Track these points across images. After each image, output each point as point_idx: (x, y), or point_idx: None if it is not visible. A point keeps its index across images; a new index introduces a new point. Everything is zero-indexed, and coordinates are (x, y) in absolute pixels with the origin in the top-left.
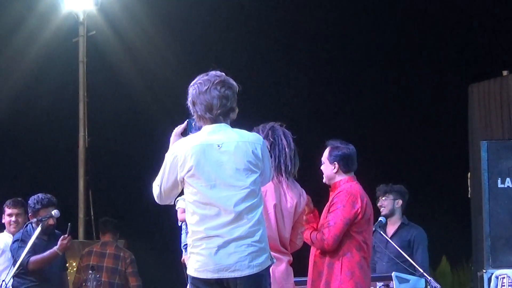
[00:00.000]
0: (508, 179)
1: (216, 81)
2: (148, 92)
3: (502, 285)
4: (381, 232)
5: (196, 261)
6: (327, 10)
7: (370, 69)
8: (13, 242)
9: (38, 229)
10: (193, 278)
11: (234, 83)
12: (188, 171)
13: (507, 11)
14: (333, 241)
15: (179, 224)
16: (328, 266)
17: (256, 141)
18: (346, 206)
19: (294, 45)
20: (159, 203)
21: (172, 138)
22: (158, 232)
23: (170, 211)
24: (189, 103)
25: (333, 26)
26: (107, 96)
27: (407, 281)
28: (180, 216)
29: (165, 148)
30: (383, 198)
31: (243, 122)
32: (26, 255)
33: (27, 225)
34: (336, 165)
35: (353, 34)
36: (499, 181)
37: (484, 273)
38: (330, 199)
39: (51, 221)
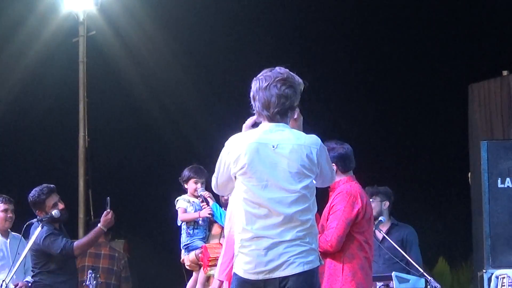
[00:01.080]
0: (508, 179)
1: (278, 78)
2: (148, 91)
3: (502, 285)
4: (380, 231)
5: (245, 263)
6: (327, 9)
7: (370, 69)
8: (44, 238)
9: (39, 229)
10: (241, 279)
11: (299, 81)
12: (241, 168)
13: (507, 11)
14: (336, 243)
15: (179, 224)
16: (329, 267)
17: (313, 145)
18: (346, 207)
19: (294, 47)
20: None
21: (243, 129)
22: (158, 232)
23: (170, 211)
24: (251, 97)
25: (332, 25)
26: (107, 96)
27: (407, 281)
28: (181, 216)
29: (166, 147)
30: (370, 200)
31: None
32: (67, 244)
33: (31, 224)
34: (334, 166)
35: (351, 34)
36: (499, 181)
37: (484, 273)
38: (330, 200)
39: (60, 206)
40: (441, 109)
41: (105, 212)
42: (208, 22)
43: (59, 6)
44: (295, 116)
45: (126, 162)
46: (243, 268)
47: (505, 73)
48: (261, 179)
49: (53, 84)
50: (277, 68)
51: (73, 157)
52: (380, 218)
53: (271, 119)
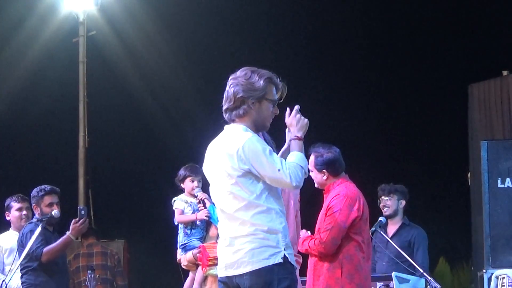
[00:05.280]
0: (508, 179)
1: (231, 78)
2: (147, 91)
3: (502, 285)
4: (382, 233)
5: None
6: (325, 9)
7: (370, 69)
8: (24, 234)
9: (39, 229)
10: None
11: (253, 78)
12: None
13: (507, 11)
14: (331, 245)
15: (176, 224)
16: (328, 269)
17: (234, 143)
18: (343, 209)
19: (294, 46)
20: None
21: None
22: (157, 232)
23: (169, 211)
24: None
25: (332, 25)
26: (107, 96)
27: (407, 281)
28: (177, 218)
29: (165, 147)
30: (387, 198)
31: None
32: (39, 247)
33: (31, 222)
34: (325, 172)
35: (352, 34)
36: (499, 181)
37: (484, 273)
38: (327, 202)
39: (55, 208)
40: (441, 109)
41: (74, 220)
42: (209, 22)
43: (59, 6)
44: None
45: (126, 162)
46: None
47: (505, 73)
48: (212, 180)
49: (53, 84)
50: (241, 68)
51: (73, 157)
52: (380, 219)
53: (225, 116)
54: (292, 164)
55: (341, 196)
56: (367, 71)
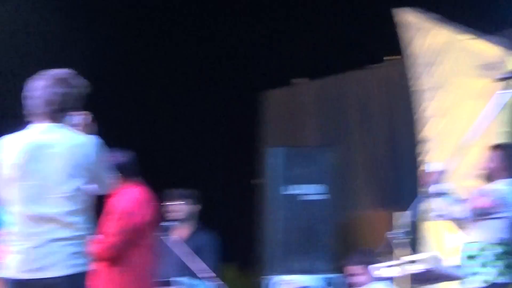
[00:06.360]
0: (291, 187)
1: (57, 78)
2: None
3: None
4: (170, 237)
5: (14, 261)
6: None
7: (155, 74)
8: None
9: None
10: (9, 280)
11: (81, 84)
12: (13, 169)
13: (296, 20)
14: (114, 250)
15: None
16: (114, 274)
17: (90, 145)
18: (131, 213)
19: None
20: None
21: None
22: None
23: None
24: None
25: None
26: None
27: (194, 286)
28: None
29: None
30: (177, 203)
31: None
32: None
33: None
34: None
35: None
36: (282, 188)
37: (265, 279)
38: (113, 205)
39: None
40: (232, 117)
41: None
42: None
43: None
44: (82, 122)
45: None
46: (12, 267)
47: (294, 81)
48: (30, 179)
49: None
50: (59, 69)
51: None
52: (168, 223)
53: (50, 118)
54: None
55: (125, 200)
56: (153, 74)
